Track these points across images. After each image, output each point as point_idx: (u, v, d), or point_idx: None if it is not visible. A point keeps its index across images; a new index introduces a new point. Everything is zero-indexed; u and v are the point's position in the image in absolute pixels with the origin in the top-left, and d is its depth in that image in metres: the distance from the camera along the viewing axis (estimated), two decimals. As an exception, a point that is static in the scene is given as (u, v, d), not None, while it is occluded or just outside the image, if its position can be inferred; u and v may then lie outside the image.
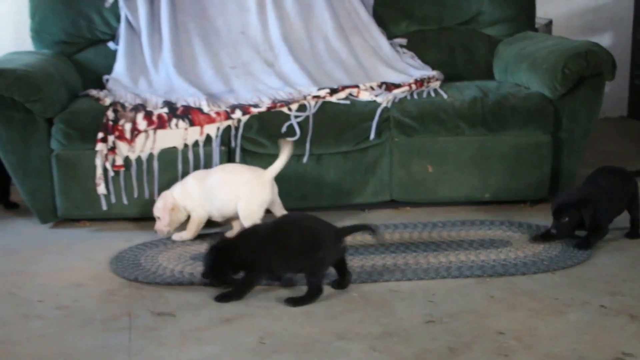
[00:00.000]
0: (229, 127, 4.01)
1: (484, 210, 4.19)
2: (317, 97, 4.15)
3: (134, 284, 3.31)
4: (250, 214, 3.65)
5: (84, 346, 2.77)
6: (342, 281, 3.22)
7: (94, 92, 4.22)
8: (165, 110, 3.98)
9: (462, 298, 3.14)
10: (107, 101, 4.07)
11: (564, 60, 4.04)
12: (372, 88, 4.29)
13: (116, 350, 2.74)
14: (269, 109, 4.06)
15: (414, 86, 4.32)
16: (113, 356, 2.70)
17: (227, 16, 4.63)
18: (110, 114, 3.94)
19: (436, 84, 4.42)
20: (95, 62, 4.57)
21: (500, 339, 2.79)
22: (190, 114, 3.97)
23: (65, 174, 3.91)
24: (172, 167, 3.96)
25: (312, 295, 3.09)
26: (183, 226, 3.79)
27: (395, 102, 4.14)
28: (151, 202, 3.84)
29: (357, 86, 4.27)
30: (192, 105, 4.06)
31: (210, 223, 3.82)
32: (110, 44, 4.60)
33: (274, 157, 3.99)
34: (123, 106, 4.01)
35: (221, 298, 3.12)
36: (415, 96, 4.23)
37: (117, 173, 3.93)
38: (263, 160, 4.02)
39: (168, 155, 3.96)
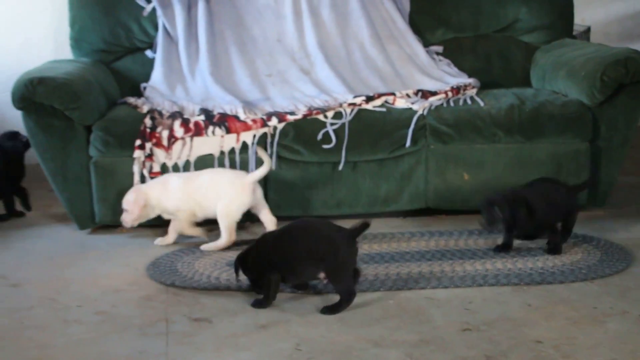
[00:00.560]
0: (265, 134, 4.02)
1: (520, 219, 4.15)
2: (353, 104, 4.15)
3: (171, 289, 3.33)
4: (227, 214, 3.74)
5: (122, 351, 2.79)
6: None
7: (131, 100, 4.26)
8: (202, 117, 4.01)
9: (499, 306, 3.12)
10: (145, 109, 4.11)
11: (602, 68, 4.01)
12: (408, 95, 4.28)
13: (154, 356, 2.75)
14: (305, 116, 4.07)
15: (450, 94, 4.31)
16: (150, 361, 2.72)
17: (263, 24, 4.66)
18: (147, 121, 3.97)
19: (472, 92, 4.40)
20: (133, 70, 4.62)
21: (538, 348, 2.77)
22: (226, 122, 3.99)
23: (104, 180, 3.94)
24: (208, 174, 3.98)
25: (346, 300, 3.07)
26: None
27: (432, 110, 4.13)
28: (188, 208, 3.86)
29: (393, 94, 4.27)
30: (228, 112, 4.08)
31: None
32: (148, 52, 4.64)
33: (309, 164, 4.02)
34: (160, 114, 4.05)
35: (255, 304, 3.14)
36: (452, 104, 4.22)
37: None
38: (299, 167, 4.03)
39: (204, 162, 3.98)
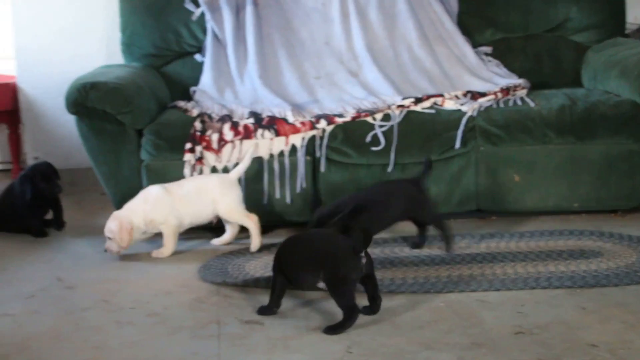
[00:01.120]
0: (313, 137, 4.03)
1: (572, 220, 4.11)
2: (402, 106, 4.14)
3: (222, 291, 3.35)
4: (232, 209, 3.81)
5: (174, 353, 2.82)
6: (373, 305, 3.01)
7: (181, 104, 4.30)
8: (251, 120, 4.03)
9: (552, 309, 3.08)
10: (195, 112, 4.15)
11: (656, 67, 3.95)
12: (457, 97, 4.26)
13: (206, 358, 2.77)
14: (353, 118, 4.07)
15: (499, 95, 4.28)
16: (203, 363, 2.75)
17: (311, 27, 4.67)
18: (197, 124, 4.01)
19: (522, 92, 4.36)
20: (183, 74, 4.67)
21: (593, 352, 2.73)
22: (275, 124, 4.01)
23: (155, 183, 3.97)
24: (258, 176, 4.00)
25: (348, 317, 2.91)
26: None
27: (481, 111, 4.11)
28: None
29: (441, 95, 4.25)
30: (277, 115, 4.10)
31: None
32: (197, 56, 4.69)
33: (358, 166, 4.02)
34: (210, 117, 4.08)
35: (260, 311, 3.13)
36: (502, 105, 4.18)
37: (204, 183, 3.99)
38: (348, 169, 4.03)
39: (254, 165, 4.00)
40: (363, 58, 4.60)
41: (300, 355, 2.77)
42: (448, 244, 3.69)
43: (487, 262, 3.57)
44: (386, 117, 4.09)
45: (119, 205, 4.03)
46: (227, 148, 3.98)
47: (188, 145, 3.96)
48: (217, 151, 3.98)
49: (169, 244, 3.78)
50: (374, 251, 3.52)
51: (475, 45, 4.75)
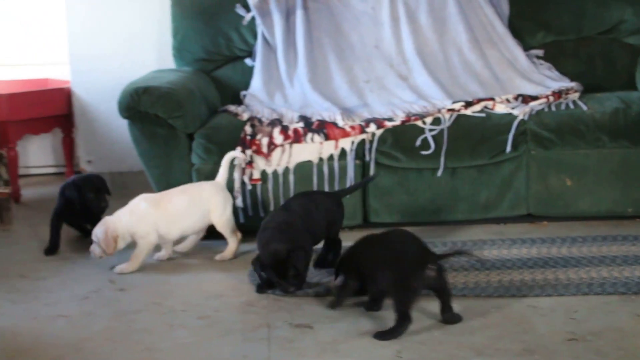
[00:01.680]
0: (363, 140, 4.03)
1: (626, 225, 4.05)
2: (452, 110, 4.12)
3: (272, 295, 3.36)
4: (227, 220, 3.80)
5: (225, 356, 2.84)
6: (442, 317, 3.01)
7: (232, 108, 4.34)
8: (301, 124, 4.04)
9: (606, 316, 3.04)
10: (245, 116, 4.17)
11: None
12: (508, 100, 4.22)
13: (256, 361, 2.80)
14: (403, 122, 4.06)
15: (551, 98, 4.23)
16: (254, 366, 2.76)
17: (361, 31, 4.67)
18: (247, 128, 4.03)
19: (575, 96, 4.31)
20: (233, 78, 4.71)
21: (647, 359, 2.69)
22: (325, 128, 4.02)
23: (206, 187, 4.01)
24: (307, 180, 4.02)
25: (399, 325, 2.89)
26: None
27: (533, 115, 4.07)
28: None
29: (492, 99, 4.22)
30: (327, 119, 4.11)
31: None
32: (247, 61, 4.72)
33: (408, 170, 4.01)
34: (260, 121, 4.10)
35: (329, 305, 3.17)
36: (553, 108, 4.14)
37: (254, 186, 4.01)
38: (397, 173, 4.03)
39: (303, 169, 4.01)
40: (413, 62, 4.59)
41: (350, 359, 2.77)
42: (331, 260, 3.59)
43: (539, 267, 3.53)
44: (436, 121, 4.07)
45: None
46: (277, 152, 4.00)
47: (238, 149, 3.98)
48: (267, 155, 4.00)
49: (138, 260, 3.68)
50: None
51: (526, 48, 4.70)
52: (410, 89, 4.46)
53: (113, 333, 3.04)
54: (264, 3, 4.66)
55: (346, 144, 4.02)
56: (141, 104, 3.92)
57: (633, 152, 4.01)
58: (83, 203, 3.97)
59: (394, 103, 4.36)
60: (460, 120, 4.07)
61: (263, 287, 3.38)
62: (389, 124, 4.04)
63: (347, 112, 4.25)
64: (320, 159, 4.02)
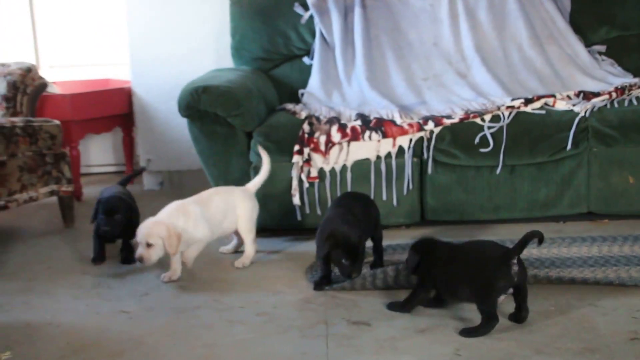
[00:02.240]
0: (421, 138, 4.02)
1: (691, 224, 3.97)
2: (511, 107, 4.08)
3: (329, 292, 3.37)
4: (252, 227, 3.76)
5: (284, 352, 2.85)
6: (517, 315, 2.99)
7: (290, 106, 4.36)
8: (359, 122, 4.04)
9: (670, 315, 2.98)
10: (303, 115, 4.19)
11: None
12: (569, 97, 4.17)
13: (315, 357, 2.79)
14: (461, 120, 4.03)
15: (614, 94, 4.16)
16: (312, 362, 2.77)
17: (419, 28, 4.66)
18: (306, 127, 4.04)
19: (638, 92, 4.23)
20: (291, 76, 4.73)
21: None
22: (383, 126, 4.01)
23: (263, 185, 3.99)
24: (364, 178, 4.01)
25: (485, 324, 2.89)
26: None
27: (594, 111, 4.01)
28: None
29: (553, 95, 4.17)
30: (384, 117, 4.10)
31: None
32: (305, 59, 4.74)
33: (466, 168, 3.98)
34: (318, 119, 4.11)
35: (391, 306, 3.16)
36: (616, 105, 4.07)
37: (311, 184, 4.02)
38: (455, 171, 4.00)
39: (361, 166, 4.01)
40: (472, 59, 4.56)
41: (409, 357, 2.76)
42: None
43: (599, 265, 3.47)
44: (495, 118, 4.03)
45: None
46: (335, 150, 4.00)
47: (296, 147, 4.00)
48: (325, 153, 4.00)
49: (190, 261, 3.60)
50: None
51: (588, 44, 4.64)
52: (469, 86, 4.43)
53: (173, 329, 3.08)
54: (322, 2, 4.67)
55: (404, 141, 4.00)
56: (201, 103, 3.95)
57: (698, 149, 3.92)
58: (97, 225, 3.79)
59: (452, 100, 4.33)
60: (519, 118, 4.03)
61: (321, 284, 3.39)
62: (447, 122, 4.02)
63: (405, 109, 4.24)
64: (378, 157, 4.01)
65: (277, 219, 4.08)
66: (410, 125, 4.01)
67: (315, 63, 4.64)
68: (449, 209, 4.05)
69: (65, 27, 5.69)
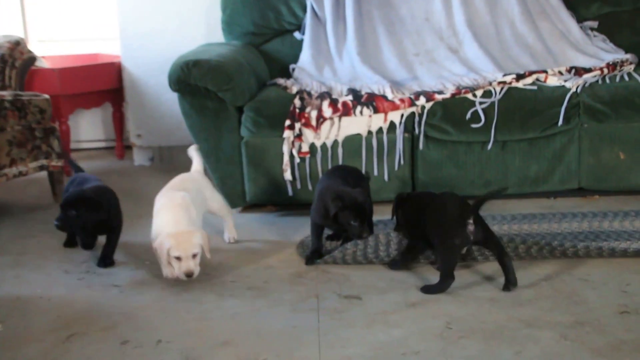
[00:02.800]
0: (412, 113, 4.01)
1: (681, 200, 3.99)
2: (503, 82, 4.07)
3: (320, 267, 3.37)
4: (222, 201, 3.74)
5: (274, 325, 2.85)
6: (507, 276, 3.04)
7: (281, 81, 4.33)
8: (350, 97, 4.03)
9: (659, 289, 3.00)
10: (294, 89, 4.17)
11: None
12: (560, 73, 4.16)
13: (306, 331, 2.80)
14: (453, 95, 4.02)
15: (605, 70, 4.16)
16: (303, 336, 2.77)
17: (411, 3, 4.64)
18: (297, 102, 4.03)
19: (630, 68, 4.23)
20: (282, 51, 4.71)
21: (702, 333, 2.65)
22: (374, 101, 3.99)
23: (254, 160, 4.02)
24: (356, 153, 4.01)
25: (441, 282, 3.02)
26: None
27: (586, 87, 4.01)
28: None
29: (544, 71, 4.16)
30: (376, 92, 4.08)
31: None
32: (296, 34, 4.71)
33: (457, 143, 3.98)
34: (309, 94, 4.09)
35: (392, 264, 3.29)
36: (608, 80, 4.07)
37: (302, 160, 4.01)
38: (447, 147, 4.00)
39: (352, 142, 4.00)
40: (463, 34, 4.54)
41: (400, 330, 2.77)
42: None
43: (590, 241, 3.48)
44: (487, 94, 4.03)
45: (219, 182, 4.10)
46: (326, 125, 3.99)
47: (287, 122, 3.98)
48: (316, 128, 3.99)
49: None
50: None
51: (580, 19, 4.63)
52: (461, 61, 4.42)
53: (164, 303, 3.08)
54: (313, -24, 4.64)
55: (395, 117, 3.99)
56: (191, 77, 3.93)
57: (689, 125, 3.93)
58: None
59: (443, 76, 4.32)
60: (511, 93, 4.03)
61: (312, 258, 3.40)
62: (438, 97, 4.01)
63: (396, 85, 4.23)
64: (369, 132, 4.00)
65: (268, 194, 4.07)
66: (402, 100, 4.00)
67: (307, 38, 4.62)
68: (440, 185, 4.05)
69: (54, 1, 5.64)
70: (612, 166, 4.00)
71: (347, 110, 3.98)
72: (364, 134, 4.00)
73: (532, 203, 4.05)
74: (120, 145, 5.46)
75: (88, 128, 5.71)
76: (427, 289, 3.05)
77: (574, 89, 3.99)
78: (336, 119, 3.99)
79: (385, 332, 2.77)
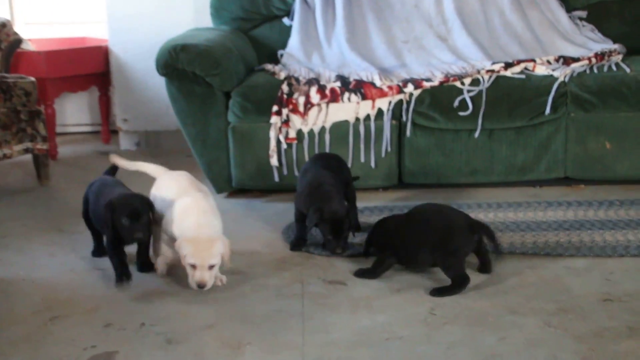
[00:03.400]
0: (400, 101, 4.00)
1: (665, 190, 4.00)
2: (491, 71, 4.07)
3: (305, 253, 3.37)
4: None
5: (259, 310, 2.85)
6: (483, 266, 3.08)
7: (269, 67, 4.32)
8: (338, 84, 4.02)
9: (642, 278, 3.01)
10: (282, 75, 4.15)
11: None
12: (548, 62, 4.16)
13: (290, 315, 2.80)
14: (441, 83, 4.02)
15: (593, 60, 4.17)
16: (288, 320, 2.77)
17: (400, -10, 4.63)
18: (285, 87, 4.01)
19: (618, 58, 4.24)
20: (271, 37, 4.69)
21: (684, 322, 2.66)
22: (362, 88, 3.99)
23: (241, 146, 4.01)
24: (343, 140, 4.00)
25: (459, 284, 2.93)
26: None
27: (574, 77, 4.01)
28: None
29: (532, 60, 4.16)
30: (364, 79, 4.07)
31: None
32: (285, 20, 4.69)
33: (445, 131, 3.98)
34: (297, 80, 4.08)
35: (358, 273, 3.14)
36: (595, 70, 4.07)
37: (289, 146, 4.00)
38: (434, 134, 4.00)
39: (340, 128, 3.99)
40: (452, 22, 4.54)
41: (383, 315, 2.78)
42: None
43: (575, 229, 3.50)
44: (475, 82, 4.02)
45: (205, 167, 4.08)
46: (314, 111, 3.98)
47: (275, 108, 3.97)
48: (304, 114, 3.98)
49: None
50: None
51: (569, 9, 4.63)
52: (449, 49, 4.42)
53: (147, 286, 3.07)
54: (302, -39, 4.62)
55: (383, 104, 3.99)
56: (179, 61, 3.91)
57: (675, 116, 3.94)
58: (115, 231, 3.10)
59: (432, 64, 4.32)
60: (499, 82, 4.02)
61: (297, 245, 3.39)
62: (426, 85, 4.00)
63: (384, 72, 4.22)
64: (357, 119, 3.99)
65: (254, 180, 4.06)
66: (390, 87, 3.99)
67: (295, 24, 4.60)
68: (427, 172, 4.05)
69: (41, -17, 5.61)
70: (598, 156, 4.01)
71: (335, 97, 3.97)
72: (352, 120, 3.99)
73: (518, 191, 4.06)
74: (106, 130, 5.43)
75: (74, 112, 5.68)
76: (441, 292, 2.93)
77: (561, 79, 3.99)
78: (324, 106, 3.98)
79: (369, 317, 2.77)
